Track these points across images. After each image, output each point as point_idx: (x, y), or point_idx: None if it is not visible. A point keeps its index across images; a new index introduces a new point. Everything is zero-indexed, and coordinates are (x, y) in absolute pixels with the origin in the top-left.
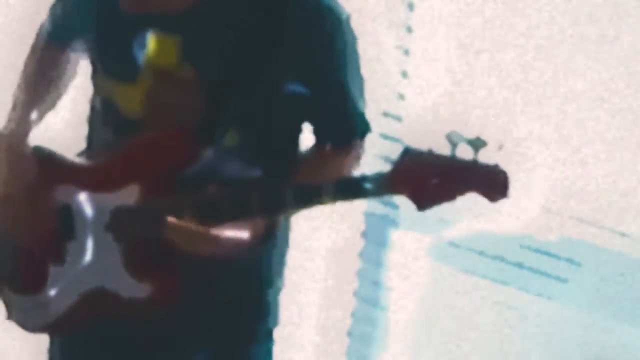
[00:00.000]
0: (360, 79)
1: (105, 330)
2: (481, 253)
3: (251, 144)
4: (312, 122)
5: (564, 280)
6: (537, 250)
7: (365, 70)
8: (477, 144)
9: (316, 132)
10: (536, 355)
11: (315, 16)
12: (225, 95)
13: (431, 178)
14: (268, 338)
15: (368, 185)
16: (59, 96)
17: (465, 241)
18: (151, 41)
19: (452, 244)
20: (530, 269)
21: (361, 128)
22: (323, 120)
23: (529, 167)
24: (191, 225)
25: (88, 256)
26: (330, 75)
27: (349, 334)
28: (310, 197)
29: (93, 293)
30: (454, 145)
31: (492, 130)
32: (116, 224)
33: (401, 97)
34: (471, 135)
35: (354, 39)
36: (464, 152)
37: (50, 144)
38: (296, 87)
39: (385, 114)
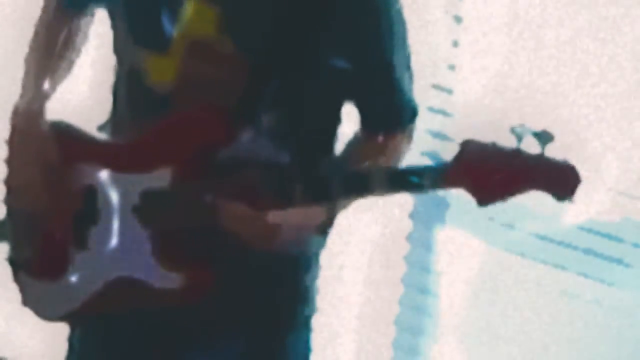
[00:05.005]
0: (408, 61)
1: (131, 319)
2: (537, 235)
3: (290, 125)
4: (357, 103)
5: (628, 265)
6: (597, 233)
7: (413, 39)
8: (545, 137)
9: (362, 116)
10: (598, 343)
11: (363, 3)
12: (267, 72)
13: (495, 173)
14: (306, 326)
15: (423, 179)
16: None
17: (519, 223)
18: (188, 9)
19: (507, 226)
20: (591, 253)
21: (408, 112)
22: (367, 99)
23: (596, 148)
24: (252, 212)
25: (113, 241)
26: (375, 51)
27: (396, 323)
28: (360, 188)
29: (118, 281)
30: (519, 138)
31: (552, 108)
32: (145, 208)
33: (452, 67)
34: (537, 125)
35: (403, 21)
36: (530, 146)
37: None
38: (339, 62)
39: (435, 86)
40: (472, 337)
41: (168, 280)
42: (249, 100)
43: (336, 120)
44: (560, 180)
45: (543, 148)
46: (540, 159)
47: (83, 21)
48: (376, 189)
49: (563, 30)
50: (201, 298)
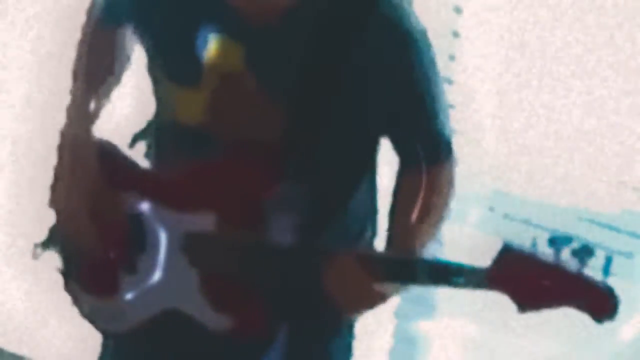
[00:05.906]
0: (441, 97)
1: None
2: (537, 226)
3: (324, 167)
4: (392, 137)
5: (628, 255)
6: (597, 224)
7: None
8: (584, 254)
9: (399, 151)
10: (599, 334)
11: (393, 40)
12: (298, 112)
13: (534, 283)
14: (349, 332)
15: (462, 279)
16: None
17: (519, 213)
18: (214, 44)
19: (506, 216)
20: (591, 244)
21: (444, 142)
22: (402, 133)
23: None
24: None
25: (158, 273)
26: (407, 86)
27: (396, 314)
28: (404, 276)
29: (167, 313)
30: (557, 249)
31: (551, 98)
32: (194, 249)
33: (452, 58)
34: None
35: (433, 58)
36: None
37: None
38: (370, 97)
39: None
40: (471, 330)
41: (217, 320)
42: (284, 140)
43: (371, 156)
44: (598, 303)
45: (582, 266)
46: (580, 276)
47: (126, 41)
48: (419, 281)
49: (562, 23)
50: (252, 337)
